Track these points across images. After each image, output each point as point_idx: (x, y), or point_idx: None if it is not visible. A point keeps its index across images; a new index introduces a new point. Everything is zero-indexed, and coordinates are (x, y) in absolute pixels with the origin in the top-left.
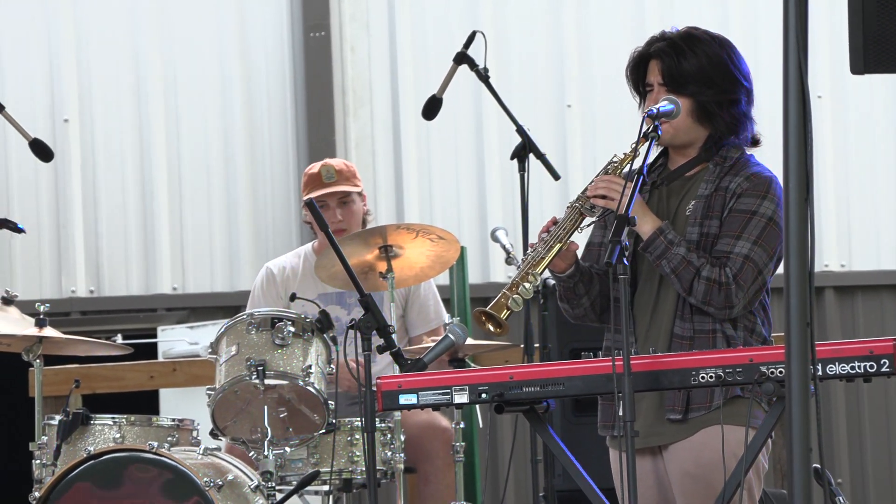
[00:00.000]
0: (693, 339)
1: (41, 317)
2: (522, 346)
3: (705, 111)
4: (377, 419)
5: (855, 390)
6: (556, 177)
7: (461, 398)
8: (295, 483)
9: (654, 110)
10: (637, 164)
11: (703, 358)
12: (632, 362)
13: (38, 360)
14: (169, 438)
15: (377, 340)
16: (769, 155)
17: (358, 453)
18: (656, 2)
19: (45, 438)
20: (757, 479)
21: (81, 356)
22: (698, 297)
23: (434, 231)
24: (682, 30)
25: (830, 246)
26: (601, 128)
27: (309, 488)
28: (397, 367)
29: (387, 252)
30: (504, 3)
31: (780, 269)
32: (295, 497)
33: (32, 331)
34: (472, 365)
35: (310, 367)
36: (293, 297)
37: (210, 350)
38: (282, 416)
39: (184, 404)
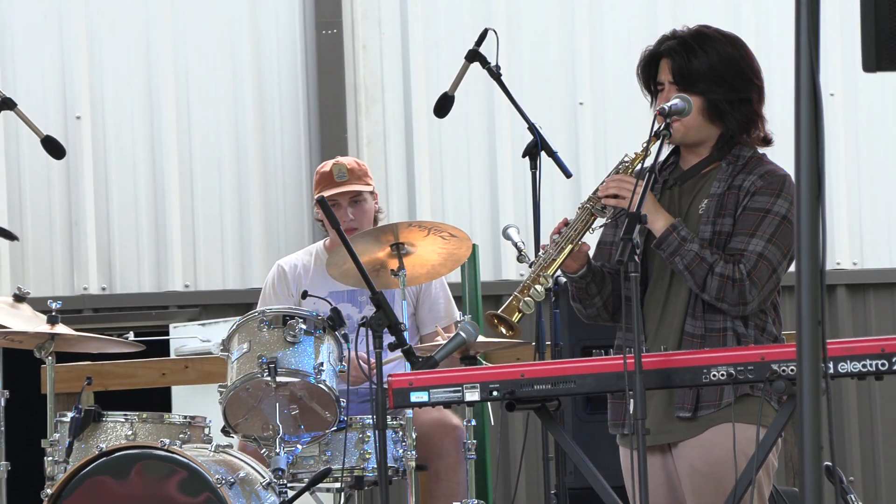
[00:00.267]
0: (704, 337)
1: (53, 314)
2: (534, 343)
3: (717, 110)
4: (388, 417)
5: (867, 388)
6: (568, 175)
7: (472, 396)
8: (307, 480)
9: (666, 108)
10: (648, 162)
11: (714, 356)
12: (643, 360)
13: (50, 357)
14: (181, 435)
15: (389, 338)
16: (781, 154)
17: (369, 450)
18: (669, 0)
19: (57, 435)
20: (766, 478)
21: (93, 353)
22: (712, 293)
23: (446, 229)
24: (694, 28)
25: (842, 244)
26: (613, 126)
27: (320, 485)
28: (409, 365)
29: (398, 250)
30: (516, 0)
31: (792, 268)
32: (306, 494)
33: (44, 328)
34: (484, 363)
35: (321, 364)
36: (305, 295)
37: (222, 347)
38: (293, 413)
39: (196, 401)
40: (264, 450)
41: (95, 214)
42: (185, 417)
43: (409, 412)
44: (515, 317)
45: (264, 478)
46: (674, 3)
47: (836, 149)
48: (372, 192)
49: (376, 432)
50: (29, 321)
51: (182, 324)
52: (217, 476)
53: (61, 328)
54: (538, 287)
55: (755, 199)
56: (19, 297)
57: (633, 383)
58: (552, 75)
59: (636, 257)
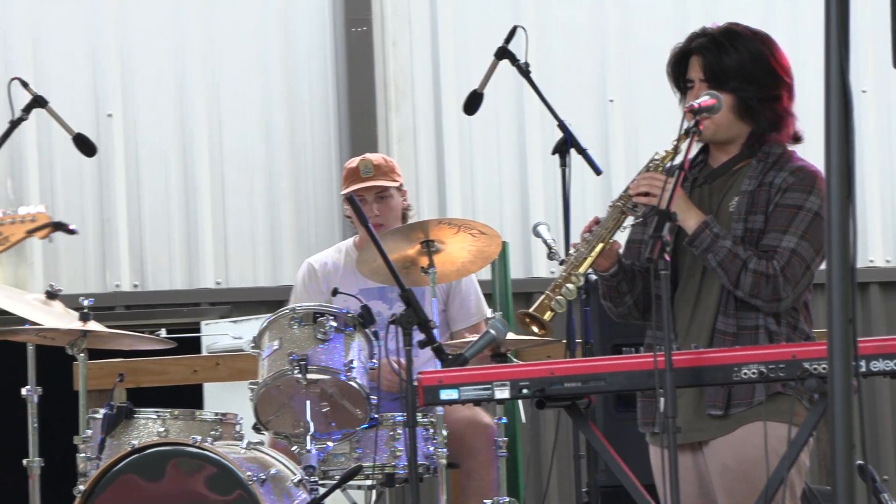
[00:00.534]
0: (737, 335)
1: (85, 311)
2: (564, 341)
3: (746, 107)
4: (419, 414)
5: None
6: (598, 172)
7: (502, 393)
8: (338, 477)
9: (696, 105)
10: (678, 160)
11: (745, 354)
12: (674, 358)
13: (82, 354)
14: (212, 432)
15: (419, 335)
16: (813, 152)
17: (400, 448)
18: None
19: (89, 432)
20: (798, 477)
21: (125, 350)
22: (745, 289)
23: (476, 226)
24: (723, 25)
25: (876, 241)
26: (644, 123)
27: (352, 483)
28: (439, 363)
29: (428, 247)
30: None
31: (823, 265)
32: (338, 491)
33: (77, 325)
34: (515, 360)
35: (352, 361)
36: (335, 292)
37: (253, 344)
38: (324, 410)
39: (227, 398)
40: (295, 447)
41: (127, 212)
42: (217, 414)
43: (440, 410)
44: (547, 315)
45: (295, 475)
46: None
47: (869, 146)
48: (399, 188)
49: (407, 430)
50: (61, 318)
51: (213, 321)
52: (248, 473)
53: (93, 325)
54: (570, 285)
55: (787, 196)
56: (51, 295)
57: (663, 381)
58: (582, 72)
59: (666, 255)
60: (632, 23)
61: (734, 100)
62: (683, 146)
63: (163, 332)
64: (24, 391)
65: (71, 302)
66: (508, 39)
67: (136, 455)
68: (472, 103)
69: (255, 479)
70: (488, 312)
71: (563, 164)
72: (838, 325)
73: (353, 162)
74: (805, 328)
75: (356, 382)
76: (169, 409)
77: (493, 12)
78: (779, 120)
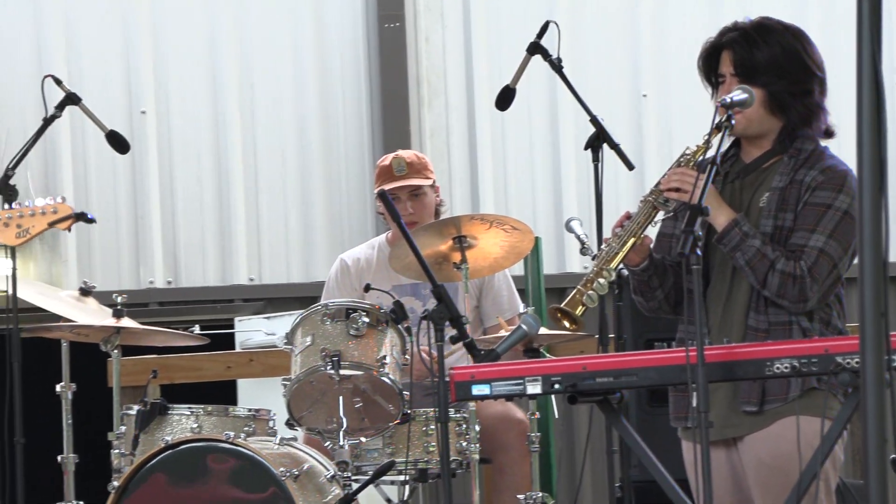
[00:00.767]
0: (769, 331)
1: (119, 307)
2: (597, 336)
3: (778, 102)
4: (452, 410)
5: None
6: (631, 167)
7: (534, 388)
8: (370, 473)
9: (728, 100)
10: (710, 155)
11: (777, 349)
12: (706, 353)
13: (115, 351)
14: (245, 428)
15: (451, 331)
16: (848, 146)
17: (433, 443)
18: None
19: (123, 428)
20: (833, 471)
21: (159, 347)
22: (772, 290)
23: (508, 221)
24: (755, 20)
25: None
26: (677, 117)
27: (385, 478)
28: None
29: (461, 243)
30: None
31: (856, 261)
32: (371, 487)
33: (110, 321)
34: (548, 356)
35: (384, 357)
36: (367, 288)
37: (286, 341)
38: (357, 406)
39: (260, 394)
40: (328, 442)
41: (161, 208)
42: (250, 410)
43: (472, 405)
44: (579, 310)
45: (328, 471)
46: None
47: None
48: (432, 185)
49: (439, 425)
50: (95, 315)
51: (247, 317)
52: (281, 469)
53: (127, 322)
54: (601, 280)
55: (816, 195)
56: (85, 291)
57: (695, 376)
58: (615, 67)
59: (698, 250)
60: (665, 17)
61: (765, 94)
62: (715, 141)
63: (196, 329)
64: (58, 388)
65: (105, 298)
66: (541, 34)
67: (170, 451)
68: (505, 99)
69: (287, 474)
70: (521, 308)
71: (596, 160)
72: (870, 319)
73: (386, 159)
74: (838, 323)
75: (389, 378)
76: (202, 406)
77: (526, 7)
78: (810, 115)
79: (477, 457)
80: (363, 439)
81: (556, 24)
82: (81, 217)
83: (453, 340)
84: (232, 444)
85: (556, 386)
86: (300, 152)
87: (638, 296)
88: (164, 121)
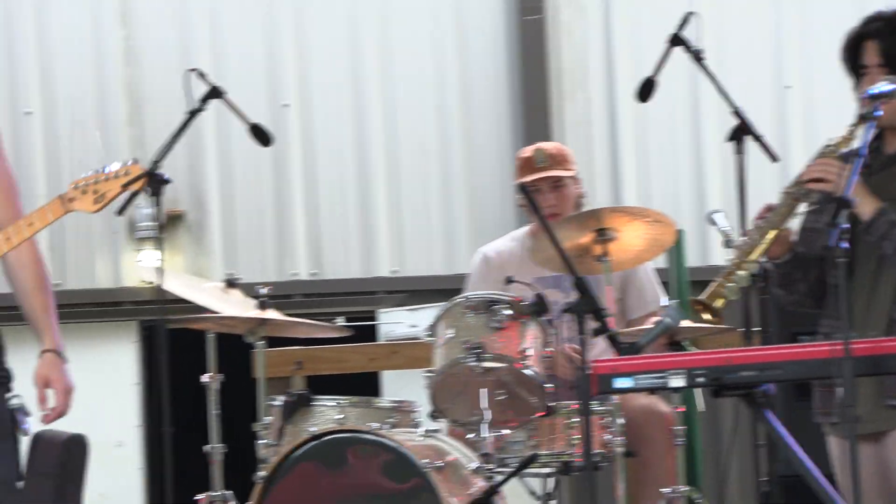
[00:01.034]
0: None
1: (263, 299)
2: (742, 329)
3: None
4: (596, 403)
5: None
6: (775, 158)
7: (677, 382)
8: (514, 465)
9: (874, 92)
10: (853, 146)
11: None
12: (853, 346)
13: (260, 342)
14: (389, 420)
15: (593, 324)
16: None
17: (576, 436)
18: None
19: (268, 419)
20: None
21: (303, 338)
22: None
23: (650, 214)
24: None
25: None
26: (822, 109)
27: (528, 471)
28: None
29: (602, 235)
30: None
31: None
32: (514, 479)
33: (255, 313)
34: (691, 349)
35: (526, 350)
36: (509, 281)
37: (429, 332)
38: (500, 398)
39: (403, 386)
40: (472, 434)
41: (304, 201)
42: (394, 402)
43: (616, 398)
44: (719, 303)
45: (472, 463)
46: None
47: None
48: (574, 177)
49: (582, 418)
50: (240, 306)
51: (390, 309)
52: (425, 460)
53: (271, 313)
54: (741, 273)
55: None
56: (231, 283)
57: (841, 370)
58: (758, 58)
59: (844, 243)
60: (808, 7)
61: None
62: (859, 132)
63: (340, 321)
64: (204, 378)
65: (249, 290)
66: (682, 26)
67: (315, 442)
68: (646, 90)
69: (431, 466)
70: (664, 301)
71: (739, 152)
72: None
73: (527, 151)
74: None
75: (531, 371)
76: (346, 397)
77: None
78: None
79: (621, 450)
80: (507, 431)
81: (698, 15)
82: (154, 177)
83: (595, 333)
84: (376, 435)
85: (700, 379)
86: (441, 145)
87: (779, 289)
88: (307, 114)
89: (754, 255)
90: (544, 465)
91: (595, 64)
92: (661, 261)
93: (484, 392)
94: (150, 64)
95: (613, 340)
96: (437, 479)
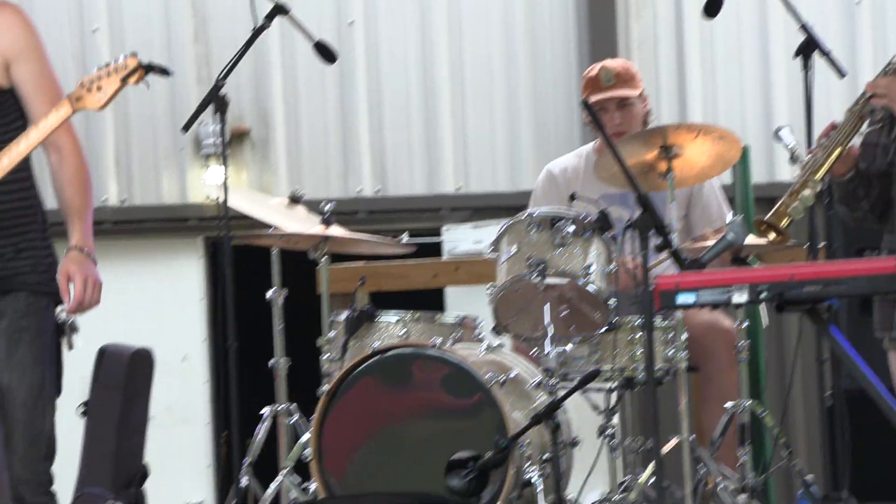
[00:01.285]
0: None
1: (328, 216)
2: (807, 245)
3: None
4: (659, 318)
5: None
6: (842, 74)
7: (740, 297)
8: (577, 380)
9: None
10: None
11: None
12: None
13: (324, 259)
14: (453, 335)
15: (656, 240)
16: None
17: (639, 351)
18: None
19: (332, 334)
20: None
21: (367, 254)
22: None
23: (715, 130)
24: None
25: None
26: (892, 25)
27: (591, 386)
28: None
29: (667, 152)
30: None
31: None
32: (577, 394)
33: (319, 229)
34: (756, 264)
35: (590, 266)
36: (573, 198)
37: (492, 249)
38: (563, 314)
39: (467, 302)
40: (535, 350)
41: (368, 118)
42: (457, 317)
43: (679, 313)
44: (784, 222)
45: (535, 378)
46: None
47: None
48: (640, 96)
49: (645, 334)
50: (304, 223)
51: (454, 226)
52: (488, 375)
53: (336, 230)
54: (806, 192)
55: None
56: (295, 199)
57: None
58: None
59: None
60: None
61: None
62: None
63: (405, 237)
64: (269, 294)
65: (314, 207)
66: None
67: (378, 357)
68: (713, 6)
69: (494, 381)
70: (731, 216)
71: (806, 67)
72: None
73: (593, 70)
74: None
75: (594, 286)
76: (410, 312)
77: None
78: None
79: (684, 365)
80: (569, 347)
81: None
82: (152, 69)
83: (658, 249)
84: (439, 350)
85: (763, 294)
86: (507, 62)
87: (843, 206)
88: (372, 31)
89: (819, 174)
90: (607, 380)
91: None
92: (726, 177)
93: (547, 308)
94: None
95: (677, 256)
96: (499, 393)
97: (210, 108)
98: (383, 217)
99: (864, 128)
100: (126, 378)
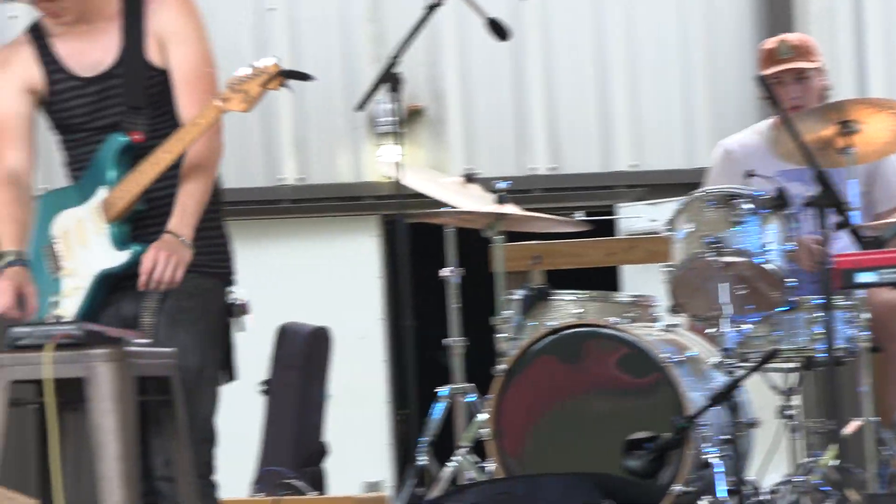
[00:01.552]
0: None
1: (502, 194)
2: None
3: None
4: (840, 297)
5: None
6: None
7: None
8: (755, 360)
9: None
10: None
11: None
12: None
13: (499, 237)
14: (628, 314)
15: (835, 217)
16: None
17: (820, 331)
18: None
19: (507, 313)
20: None
21: (541, 233)
22: None
23: None
24: None
25: None
26: None
27: (769, 365)
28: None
29: (846, 127)
30: None
31: None
32: (756, 374)
33: (493, 208)
34: None
35: (767, 244)
36: (750, 174)
37: (668, 227)
38: (740, 293)
39: (643, 280)
40: (712, 329)
41: (542, 95)
42: (633, 296)
43: (861, 292)
44: None
45: (712, 357)
46: None
47: None
48: (818, 69)
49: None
50: (478, 201)
51: (629, 203)
52: (665, 355)
53: (510, 208)
54: None
55: None
56: (469, 178)
57: None
58: None
59: None
60: None
61: None
62: None
63: (579, 215)
64: (444, 272)
65: (488, 185)
66: None
67: (554, 336)
68: None
69: (671, 360)
70: None
71: None
72: None
73: (771, 43)
74: None
75: (772, 265)
76: (585, 291)
77: None
78: None
79: (866, 345)
80: (747, 326)
81: None
82: (292, 75)
83: (837, 226)
84: (615, 329)
85: None
86: (681, 37)
87: None
88: (545, 7)
89: None
90: (786, 360)
91: None
92: None
93: (724, 286)
94: None
95: (856, 234)
96: (676, 373)
97: (385, 87)
98: (557, 195)
99: None
100: (305, 357)
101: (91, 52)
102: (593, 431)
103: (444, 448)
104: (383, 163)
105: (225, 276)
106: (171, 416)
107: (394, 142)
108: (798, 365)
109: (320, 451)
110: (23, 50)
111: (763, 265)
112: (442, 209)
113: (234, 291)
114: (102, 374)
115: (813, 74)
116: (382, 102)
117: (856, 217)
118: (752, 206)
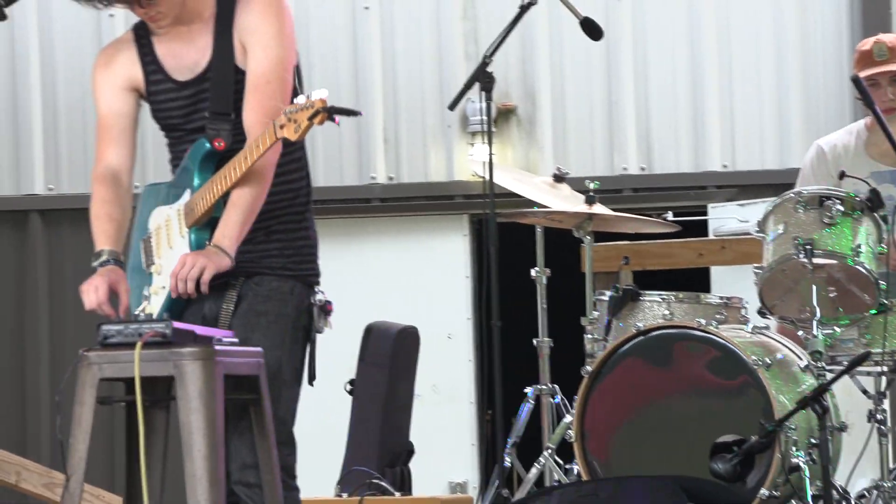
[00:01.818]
0: None
1: (592, 194)
2: None
3: None
4: None
5: None
6: None
7: None
8: (845, 363)
9: None
10: None
11: None
12: None
13: (588, 237)
14: (717, 316)
15: None
16: None
17: None
18: None
19: (595, 313)
20: None
21: (631, 233)
22: None
23: None
24: None
25: None
26: None
27: (860, 369)
28: None
29: None
30: None
31: None
32: (845, 378)
33: (583, 208)
34: None
35: (859, 246)
36: (842, 175)
37: (758, 228)
38: (831, 295)
39: (733, 282)
40: (801, 332)
41: (634, 94)
42: (722, 298)
43: None
44: None
45: (802, 360)
46: None
47: None
48: None
49: None
50: (568, 201)
51: (720, 204)
52: (754, 357)
53: (599, 208)
54: None
55: None
56: (559, 177)
57: None
58: None
59: None
60: None
61: None
62: None
63: (669, 215)
64: (533, 272)
65: (578, 184)
66: None
67: (642, 337)
68: None
69: (760, 363)
70: None
71: None
72: None
73: (867, 44)
74: None
75: (864, 267)
76: (674, 293)
77: None
78: None
79: None
80: (838, 329)
81: None
82: (336, 111)
83: None
84: (704, 331)
85: None
86: (775, 37)
87: None
88: (638, 8)
89: None
90: (877, 364)
91: None
92: None
93: (814, 288)
94: None
95: None
96: (765, 376)
97: (477, 86)
98: (648, 195)
99: None
100: (392, 356)
101: (187, 55)
102: (679, 434)
103: (529, 449)
104: (474, 162)
105: (305, 277)
106: (258, 416)
107: (485, 141)
108: (888, 369)
109: (406, 451)
110: (126, 48)
111: (854, 267)
112: (532, 209)
113: (316, 293)
114: (191, 373)
115: None
116: (475, 101)
117: None
118: (844, 207)
